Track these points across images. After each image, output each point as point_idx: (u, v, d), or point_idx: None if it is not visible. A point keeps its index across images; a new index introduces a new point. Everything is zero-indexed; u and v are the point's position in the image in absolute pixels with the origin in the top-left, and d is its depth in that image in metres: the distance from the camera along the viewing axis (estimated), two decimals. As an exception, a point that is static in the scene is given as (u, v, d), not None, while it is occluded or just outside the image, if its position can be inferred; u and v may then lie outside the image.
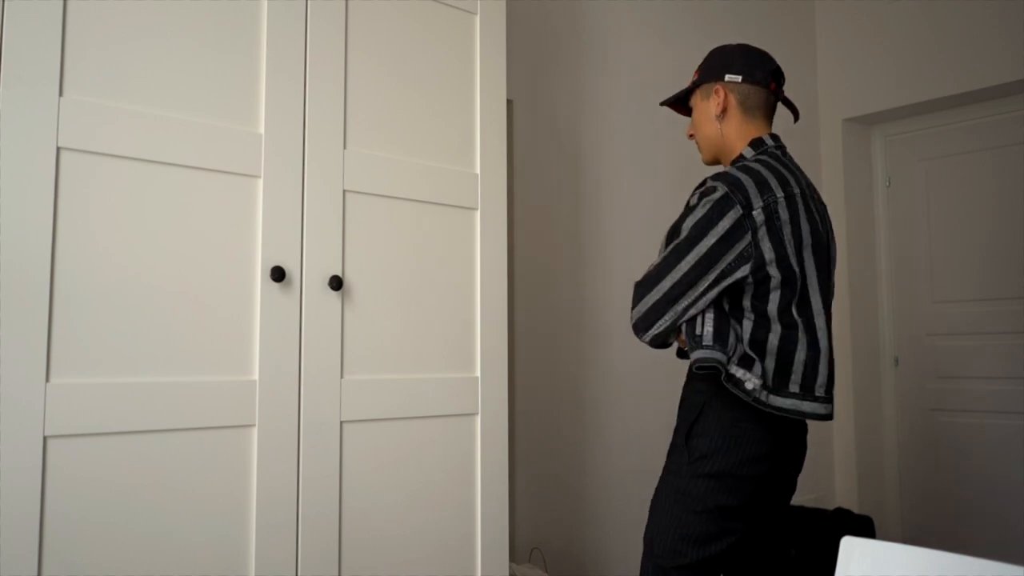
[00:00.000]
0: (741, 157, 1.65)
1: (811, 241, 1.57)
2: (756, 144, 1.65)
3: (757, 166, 1.58)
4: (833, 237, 1.68)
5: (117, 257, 1.36)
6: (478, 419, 1.82)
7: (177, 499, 1.40)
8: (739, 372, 1.50)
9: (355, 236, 1.65)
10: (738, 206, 1.50)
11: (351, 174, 1.64)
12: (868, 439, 3.65)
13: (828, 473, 3.65)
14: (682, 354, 1.75)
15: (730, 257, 1.50)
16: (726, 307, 1.56)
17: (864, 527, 2.99)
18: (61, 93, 1.32)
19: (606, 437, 2.78)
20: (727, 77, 1.67)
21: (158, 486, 1.38)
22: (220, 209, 1.48)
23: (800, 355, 1.54)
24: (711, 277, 1.51)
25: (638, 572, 2.80)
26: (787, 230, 1.53)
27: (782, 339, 1.53)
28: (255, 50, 1.54)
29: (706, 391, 1.58)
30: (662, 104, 1.83)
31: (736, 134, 1.68)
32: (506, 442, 1.85)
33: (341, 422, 1.59)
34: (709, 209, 1.51)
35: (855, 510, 3.57)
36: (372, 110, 1.70)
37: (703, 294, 1.52)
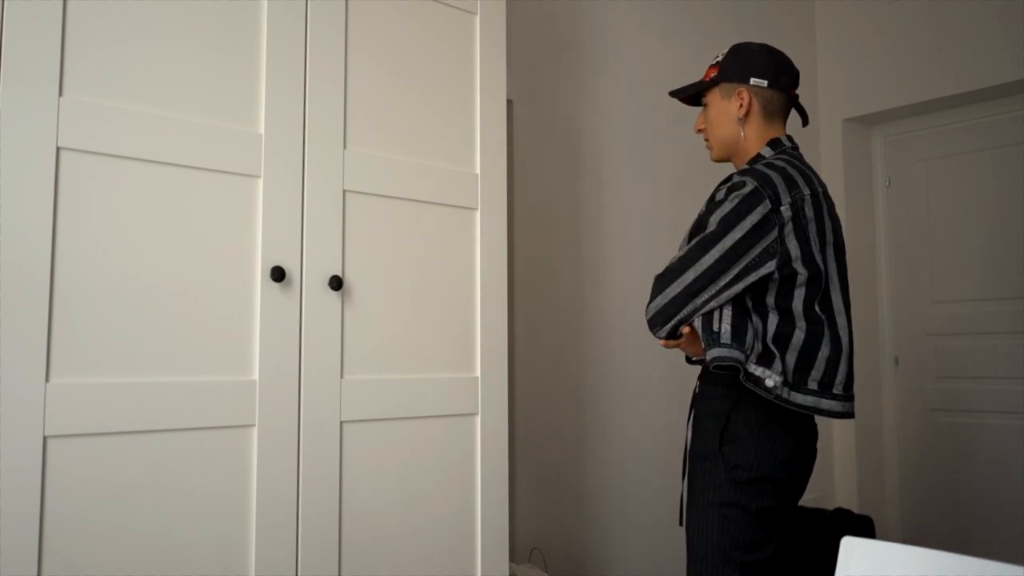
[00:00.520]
0: (760, 156, 1.65)
1: (832, 239, 1.58)
2: (775, 144, 1.65)
3: (782, 163, 1.58)
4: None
5: (117, 257, 1.36)
6: (478, 419, 1.82)
7: (177, 499, 1.40)
8: (758, 370, 1.48)
9: (355, 236, 1.65)
10: (767, 201, 1.49)
11: (351, 174, 1.64)
12: (868, 439, 3.65)
13: (828, 473, 3.65)
14: (691, 360, 1.73)
15: (756, 252, 1.48)
16: (749, 304, 1.54)
17: (864, 527, 2.99)
18: (61, 93, 1.32)
19: (606, 437, 2.78)
20: (753, 80, 1.65)
21: (158, 486, 1.38)
22: (220, 209, 1.48)
23: (824, 352, 1.52)
24: (735, 271, 1.49)
25: (638, 572, 2.80)
26: (812, 228, 1.53)
27: (807, 335, 1.52)
28: (255, 50, 1.54)
29: (728, 396, 1.55)
30: (671, 94, 1.78)
31: (755, 137, 1.67)
32: (506, 442, 1.85)
33: (341, 422, 1.59)
34: (738, 203, 1.50)
35: (855, 510, 3.57)
36: (372, 110, 1.70)
37: (725, 288, 1.49)
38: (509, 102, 2.61)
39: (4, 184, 1.25)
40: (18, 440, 1.24)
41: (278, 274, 1.50)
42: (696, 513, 1.57)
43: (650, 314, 1.57)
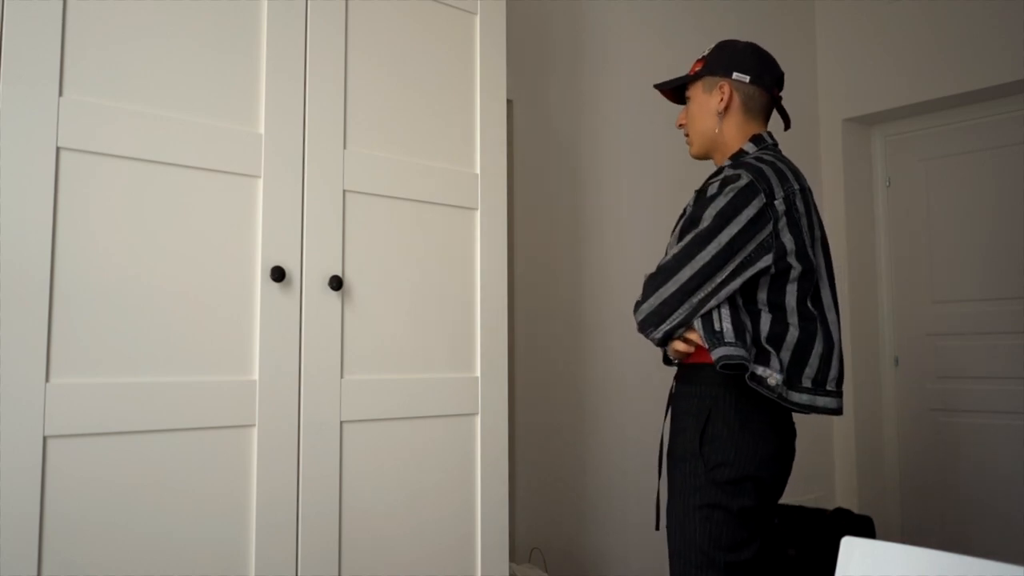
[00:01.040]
0: (742, 152, 1.64)
1: (820, 235, 1.58)
2: (757, 140, 1.65)
3: (770, 158, 1.58)
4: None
5: (117, 257, 1.36)
6: (478, 419, 1.81)
7: (177, 499, 1.40)
8: (759, 370, 1.47)
9: (355, 236, 1.65)
10: (762, 194, 1.48)
11: (351, 174, 1.64)
12: (868, 439, 3.65)
13: (828, 473, 3.65)
14: (668, 361, 1.72)
15: (751, 246, 1.47)
16: (739, 302, 1.52)
17: (864, 527, 2.98)
18: (61, 93, 1.32)
19: (606, 437, 2.78)
20: (735, 75, 1.65)
21: (158, 486, 1.38)
22: (220, 209, 1.48)
23: (817, 349, 1.52)
24: (731, 267, 1.47)
25: (638, 572, 2.80)
26: (804, 222, 1.52)
27: (801, 333, 1.51)
28: (255, 50, 1.54)
29: (708, 395, 1.54)
30: (656, 87, 1.77)
31: (734, 132, 1.66)
32: (506, 442, 1.85)
33: (341, 422, 1.59)
34: (734, 197, 1.48)
35: (855, 510, 3.57)
36: (372, 110, 1.70)
37: (722, 285, 1.47)
38: (509, 102, 2.61)
39: (4, 184, 1.25)
40: (18, 440, 1.24)
41: (278, 274, 1.50)
42: (677, 516, 1.55)
43: (642, 315, 1.53)
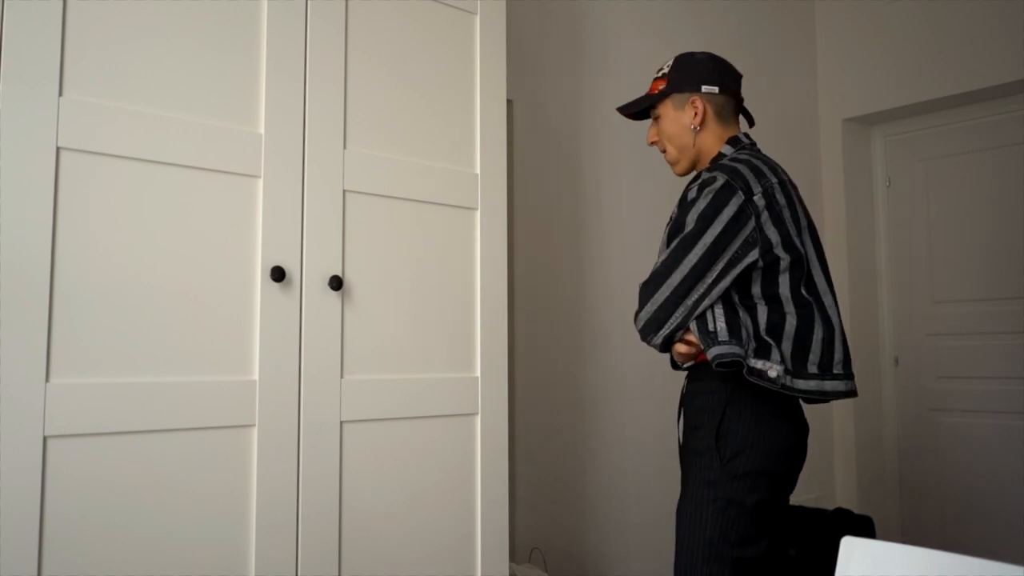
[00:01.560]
0: (720, 155, 1.68)
1: (806, 223, 1.61)
2: (734, 142, 1.69)
3: (745, 156, 1.63)
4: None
5: (117, 257, 1.36)
6: (478, 419, 1.82)
7: (177, 499, 1.40)
8: (759, 363, 1.49)
9: (355, 236, 1.65)
10: (740, 192, 1.52)
11: (351, 174, 1.64)
12: (868, 439, 3.65)
13: (828, 473, 3.65)
14: (677, 366, 1.73)
15: (737, 243, 1.51)
16: (735, 299, 1.55)
17: (864, 527, 2.98)
18: (61, 93, 1.32)
19: (606, 437, 2.78)
20: (704, 88, 1.68)
21: (158, 486, 1.38)
22: (220, 209, 1.48)
23: (817, 334, 1.54)
24: (720, 266, 1.50)
25: (638, 572, 2.80)
26: (787, 213, 1.56)
27: (800, 320, 1.53)
28: (255, 50, 1.54)
29: (723, 390, 1.56)
30: (619, 110, 1.79)
31: (712, 140, 1.70)
32: (506, 442, 1.85)
33: (341, 422, 1.59)
34: (712, 198, 1.53)
35: (855, 510, 3.57)
36: (372, 110, 1.70)
37: (713, 284, 1.51)
38: (509, 102, 2.61)
39: (4, 184, 1.25)
40: (18, 440, 1.24)
41: (278, 274, 1.50)
42: (689, 508, 1.56)
43: (641, 323, 1.56)
